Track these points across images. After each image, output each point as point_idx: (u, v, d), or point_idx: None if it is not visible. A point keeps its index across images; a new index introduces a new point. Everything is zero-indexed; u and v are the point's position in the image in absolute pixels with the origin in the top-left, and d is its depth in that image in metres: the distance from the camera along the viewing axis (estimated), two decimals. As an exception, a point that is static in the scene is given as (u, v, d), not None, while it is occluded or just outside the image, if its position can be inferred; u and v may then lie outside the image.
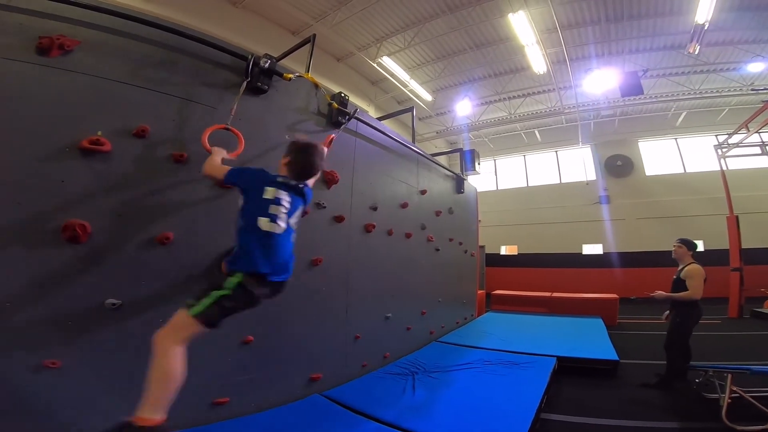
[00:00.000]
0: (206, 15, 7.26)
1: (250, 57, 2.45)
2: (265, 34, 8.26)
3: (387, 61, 9.80)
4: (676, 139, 12.73)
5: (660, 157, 12.92)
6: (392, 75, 10.32)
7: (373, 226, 3.54)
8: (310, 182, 2.15)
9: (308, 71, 2.99)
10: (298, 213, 1.94)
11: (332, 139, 2.77)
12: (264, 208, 1.79)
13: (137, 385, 1.88)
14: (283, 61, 3.27)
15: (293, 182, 1.90)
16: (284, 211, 1.83)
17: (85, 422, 1.76)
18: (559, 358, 3.95)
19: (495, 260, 13.48)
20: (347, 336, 3.17)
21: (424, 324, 4.52)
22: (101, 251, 1.87)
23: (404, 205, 4.17)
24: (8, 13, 1.77)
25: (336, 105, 3.13)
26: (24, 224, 1.69)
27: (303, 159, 1.95)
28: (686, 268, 3.66)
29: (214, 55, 2.37)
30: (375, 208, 3.63)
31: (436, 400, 2.75)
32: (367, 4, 7.99)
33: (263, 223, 1.76)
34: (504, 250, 14.47)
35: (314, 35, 3.13)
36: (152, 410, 1.42)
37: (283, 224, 1.81)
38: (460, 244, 5.94)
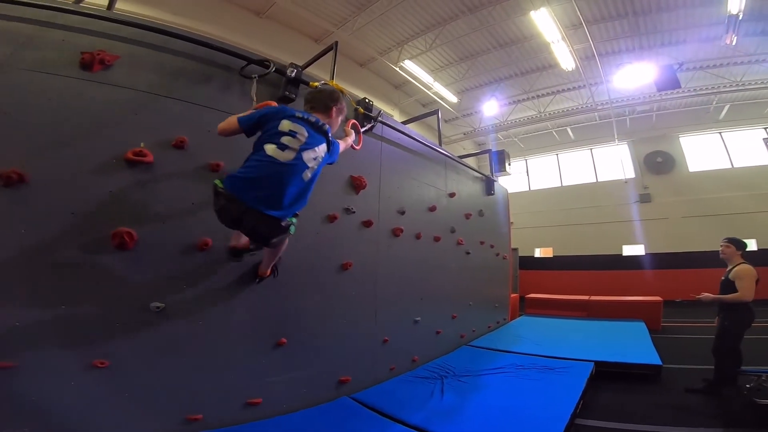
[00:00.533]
0: (233, 26, 7.61)
1: (271, 64, 2.52)
2: (289, 42, 8.52)
3: (409, 65, 9.84)
4: (720, 133, 11.93)
5: (704, 152, 12.15)
6: (415, 78, 10.34)
7: (401, 230, 3.55)
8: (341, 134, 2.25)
9: (333, 78, 3.06)
10: (318, 152, 1.84)
11: (354, 125, 2.59)
12: (275, 136, 1.74)
13: (179, 384, 2.01)
14: (308, 69, 3.37)
15: (312, 118, 1.88)
16: (297, 143, 1.76)
17: (129, 420, 1.87)
18: (597, 363, 3.79)
19: (529, 263, 13.12)
20: (375, 339, 3.19)
21: (454, 328, 4.47)
22: (146, 257, 1.99)
23: (432, 209, 4.15)
24: (51, 29, 1.90)
25: (362, 110, 3.18)
26: (78, 232, 1.83)
27: (314, 91, 2.11)
28: (735, 269, 3.44)
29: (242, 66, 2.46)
30: (403, 212, 3.64)
31: (465, 404, 2.71)
32: (385, 9, 8.08)
33: (269, 148, 1.71)
34: (538, 253, 14.02)
35: (336, 42, 3.20)
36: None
37: (291, 154, 1.73)
38: (492, 246, 5.82)
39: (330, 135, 1.94)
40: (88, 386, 1.77)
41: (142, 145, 2.03)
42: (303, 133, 1.79)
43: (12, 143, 1.74)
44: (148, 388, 1.94)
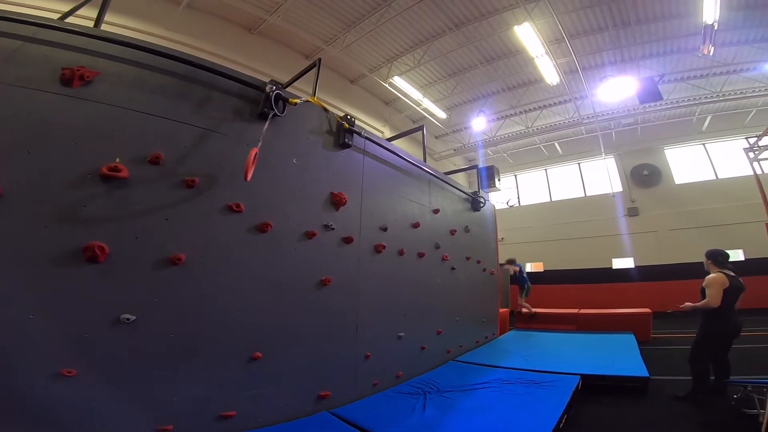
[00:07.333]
0: (226, 43, 7.77)
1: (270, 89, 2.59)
2: (280, 58, 8.70)
3: (398, 81, 10.02)
4: (704, 144, 12.22)
5: (689, 164, 12.41)
6: (405, 94, 10.52)
7: (384, 247, 3.56)
8: None
9: (314, 95, 3.10)
10: None
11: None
12: None
13: (150, 395, 2.01)
14: (297, 84, 3.42)
15: None
16: None
17: (98, 426, 1.85)
18: (584, 377, 3.76)
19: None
20: (357, 355, 3.16)
21: (440, 343, 4.43)
22: (118, 271, 1.98)
23: (416, 225, 4.16)
24: (35, 45, 1.94)
25: (347, 125, 3.24)
26: (50, 244, 1.82)
27: None
28: (706, 278, 3.62)
29: (223, 83, 2.52)
30: (385, 229, 3.64)
31: (446, 419, 2.68)
32: (374, 26, 8.29)
33: None
34: (529, 268, 14.04)
35: (320, 59, 3.24)
36: None
37: None
38: (478, 262, 5.82)
39: None
40: (54, 395, 1.75)
41: (117, 160, 2.04)
42: None
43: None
44: (117, 397, 1.92)
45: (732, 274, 3.57)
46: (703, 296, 3.57)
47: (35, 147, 1.85)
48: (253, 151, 2.26)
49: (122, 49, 2.16)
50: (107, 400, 1.89)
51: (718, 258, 3.70)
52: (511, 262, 8.45)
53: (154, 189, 2.15)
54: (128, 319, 1.97)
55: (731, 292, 3.46)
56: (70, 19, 2.41)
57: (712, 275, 3.59)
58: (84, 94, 2.00)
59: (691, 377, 3.62)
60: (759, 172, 8.51)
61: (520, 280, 8.16)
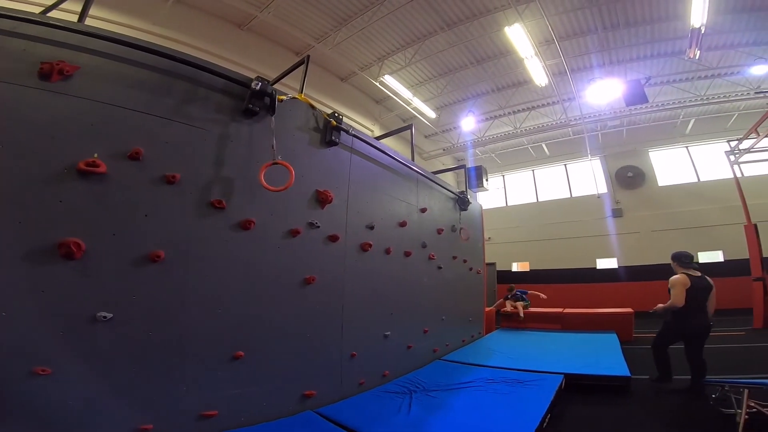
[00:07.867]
0: (215, 39, 7.65)
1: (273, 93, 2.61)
2: (269, 55, 8.59)
3: (389, 80, 9.98)
4: (687, 147, 12.47)
5: (672, 166, 12.65)
6: (395, 93, 10.50)
7: (370, 245, 3.54)
8: None
9: (302, 92, 3.07)
10: None
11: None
12: None
13: (126, 389, 1.97)
14: (286, 81, 3.37)
15: None
16: None
17: (76, 425, 1.81)
18: (568, 376, 3.80)
19: (506, 277, 13.26)
20: (342, 354, 3.14)
21: (426, 342, 4.45)
22: (94, 267, 1.93)
23: (403, 224, 4.15)
24: (13, 39, 1.88)
25: (335, 123, 3.21)
26: (24, 241, 1.77)
27: None
28: (670, 279, 3.84)
29: (207, 78, 2.47)
30: (372, 227, 3.63)
31: (430, 419, 2.68)
32: (365, 24, 8.23)
33: None
34: (515, 267, 14.22)
35: (308, 56, 3.21)
36: None
37: None
38: (465, 261, 5.86)
39: None
40: (28, 394, 1.71)
41: (95, 155, 1.98)
42: None
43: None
44: (94, 397, 1.88)
45: (696, 274, 3.72)
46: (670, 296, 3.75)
47: (10, 141, 1.79)
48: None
49: (103, 44, 2.10)
50: (84, 400, 1.84)
51: (682, 259, 3.91)
52: (510, 291, 8.32)
53: (134, 185, 2.09)
54: (105, 317, 1.92)
55: (694, 291, 3.66)
56: (53, 13, 2.33)
57: (674, 276, 3.80)
58: (63, 88, 1.94)
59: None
60: (739, 175, 8.74)
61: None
